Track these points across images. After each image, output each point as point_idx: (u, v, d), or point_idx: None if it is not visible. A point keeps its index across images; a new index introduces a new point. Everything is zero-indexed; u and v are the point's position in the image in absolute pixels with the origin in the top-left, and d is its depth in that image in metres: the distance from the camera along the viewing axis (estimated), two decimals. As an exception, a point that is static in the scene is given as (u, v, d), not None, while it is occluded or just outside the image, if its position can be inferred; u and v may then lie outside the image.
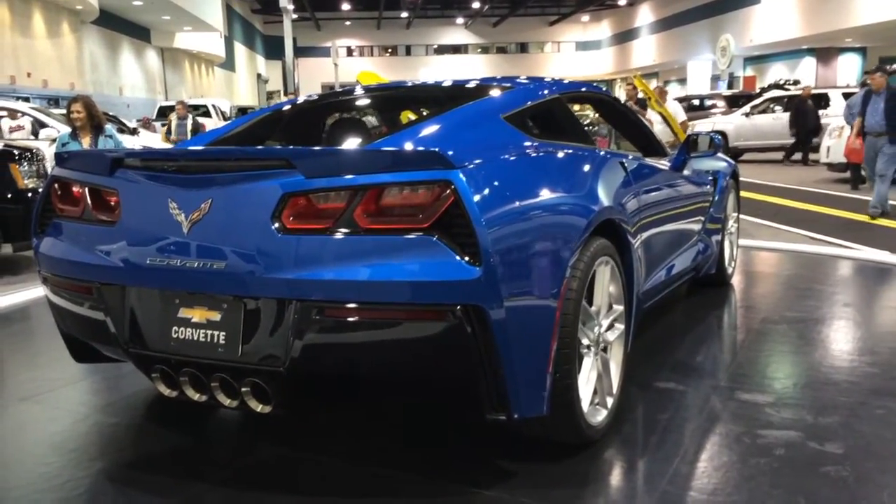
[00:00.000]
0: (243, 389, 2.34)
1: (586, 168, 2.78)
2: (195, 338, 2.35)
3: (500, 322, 2.12)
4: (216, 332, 2.32)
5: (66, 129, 7.18)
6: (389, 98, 3.93)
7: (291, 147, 2.28)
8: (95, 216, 2.54)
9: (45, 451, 2.79)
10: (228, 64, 43.19)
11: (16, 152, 6.40)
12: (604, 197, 2.69)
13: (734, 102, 20.14)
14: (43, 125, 11.03)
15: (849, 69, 34.51)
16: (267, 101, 47.24)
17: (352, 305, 2.14)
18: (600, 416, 2.67)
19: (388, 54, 58.58)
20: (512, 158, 2.44)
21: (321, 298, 2.15)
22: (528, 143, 2.67)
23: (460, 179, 2.10)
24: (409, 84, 3.97)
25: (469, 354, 2.14)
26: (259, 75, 53.07)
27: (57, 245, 2.65)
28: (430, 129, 2.67)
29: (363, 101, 3.90)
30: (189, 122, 15.12)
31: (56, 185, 2.68)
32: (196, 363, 2.37)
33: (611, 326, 2.79)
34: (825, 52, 33.48)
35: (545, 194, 2.43)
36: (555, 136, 3.07)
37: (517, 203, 2.27)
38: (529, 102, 3.04)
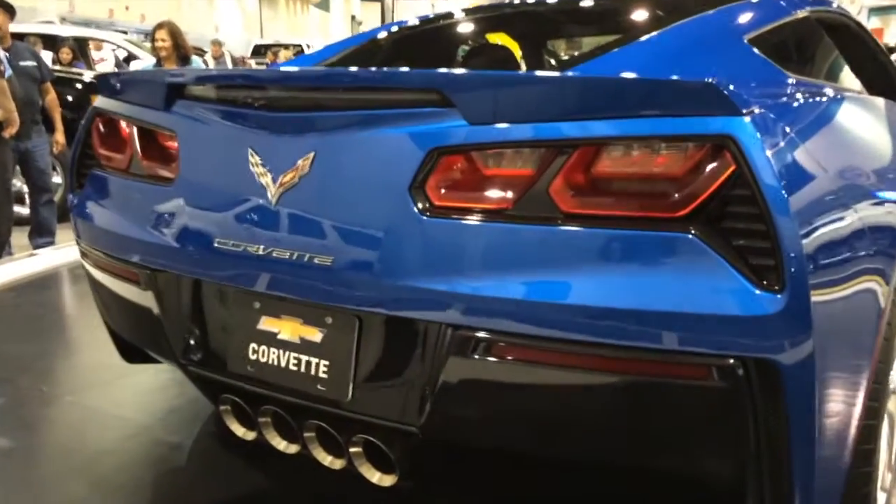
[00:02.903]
0: (352, 449, 1.52)
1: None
2: (282, 363, 1.54)
3: (801, 389, 1.21)
4: (314, 360, 1.50)
5: (152, 60, 6.51)
6: (537, 17, 2.86)
7: (446, 71, 1.38)
8: (146, 170, 1.73)
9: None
10: (324, 4, 42.57)
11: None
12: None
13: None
14: (133, 57, 10.49)
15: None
16: (361, 44, 46.59)
17: (539, 344, 1.27)
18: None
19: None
20: (798, 106, 1.49)
21: (490, 328, 1.29)
22: (800, 84, 1.70)
23: (750, 135, 1.18)
24: None
25: (738, 441, 1.24)
26: (353, 17, 52.37)
27: (96, 208, 1.86)
28: (642, 56, 1.74)
29: (501, 24, 2.88)
30: (229, 61, 14.29)
31: (99, 122, 1.89)
32: (282, 401, 1.56)
33: None
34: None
35: (858, 170, 1.48)
36: (816, 73, 2.09)
37: (827, 182, 1.33)
38: (779, 20, 2.03)
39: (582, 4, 2.71)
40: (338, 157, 1.42)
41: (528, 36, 2.90)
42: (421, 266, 1.33)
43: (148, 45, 12.57)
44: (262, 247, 1.48)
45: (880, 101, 2.08)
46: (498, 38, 2.85)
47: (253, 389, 1.61)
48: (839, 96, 1.77)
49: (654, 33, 1.86)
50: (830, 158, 1.39)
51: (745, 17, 1.97)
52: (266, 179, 1.47)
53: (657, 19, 2.19)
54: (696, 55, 1.72)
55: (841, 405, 1.32)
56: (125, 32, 17.04)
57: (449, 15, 2.75)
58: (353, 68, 2.00)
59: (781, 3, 2.13)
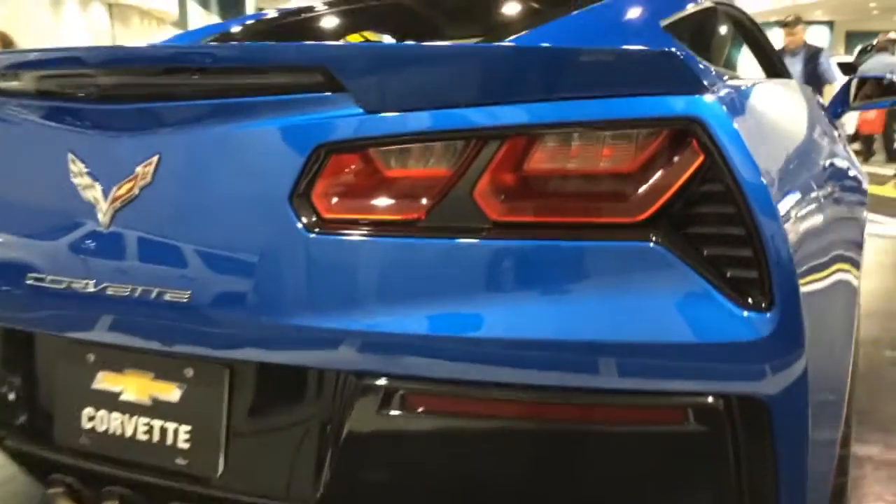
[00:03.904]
0: (226, 540, 1.17)
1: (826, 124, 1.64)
2: (128, 432, 1.18)
3: (793, 426, 0.98)
4: (171, 426, 1.15)
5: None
6: (408, 11, 2.49)
7: (335, 44, 1.08)
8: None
9: None
10: (181, 23, 40.98)
11: None
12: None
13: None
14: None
15: (818, 42, 33.96)
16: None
17: (470, 392, 0.99)
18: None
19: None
20: (746, 90, 1.28)
21: (406, 375, 1.00)
22: (723, 73, 1.51)
23: (720, 118, 0.95)
24: None
25: (718, 496, 1.00)
26: (214, 36, 50.74)
27: None
28: (556, 38, 1.49)
29: (371, 18, 2.49)
30: None
31: None
32: (131, 481, 1.20)
33: None
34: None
35: (812, 155, 1.28)
36: (728, 63, 1.92)
37: (796, 171, 1.13)
38: (682, 11, 1.85)
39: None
40: (191, 161, 1.08)
41: (400, 34, 2.57)
42: (308, 297, 1.02)
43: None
44: (92, 282, 1.12)
45: (795, 84, 1.95)
46: (359, 39, 2.49)
47: (91, 468, 1.23)
48: (770, 82, 1.59)
49: (557, 19, 1.62)
50: (791, 145, 1.19)
51: (655, 3, 1.78)
52: (94, 193, 1.11)
53: (542, 13, 1.97)
54: (614, 39, 1.50)
55: (827, 437, 1.11)
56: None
57: (310, 8, 2.39)
58: (212, 43, 1.63)
59: None
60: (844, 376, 1.19)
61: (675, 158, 0.95)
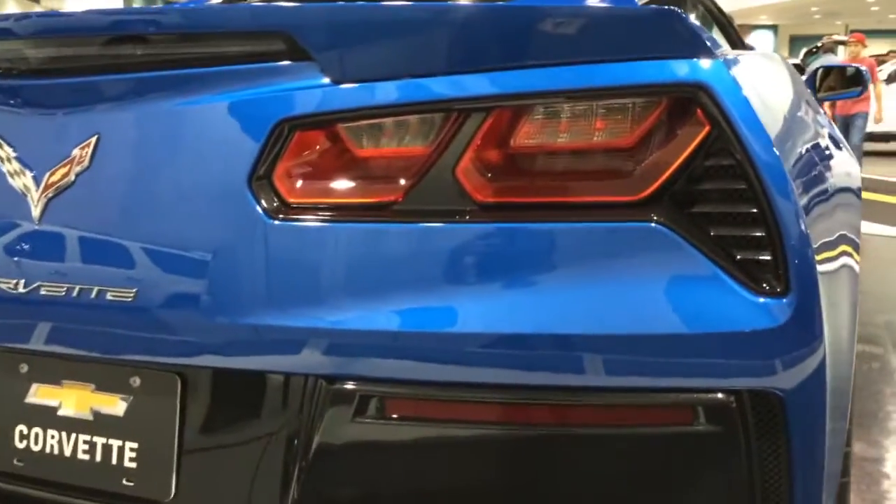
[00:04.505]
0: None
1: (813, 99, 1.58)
2: (67, 451, 1.05)
3: (810, 422, 0.90)
4: (116, 443, 1.02)
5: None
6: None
7: (296, 5, 0.96)
8: None
9: None
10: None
11: None
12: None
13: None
14: None
15: (763, 46, 34.90)
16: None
17: (458, 395, 0.88)
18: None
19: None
20: (737, 58, 1.20)
21: (384, 377, 0.89)
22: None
23: (728, 85, 0.86)
24: None
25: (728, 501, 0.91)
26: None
27: None
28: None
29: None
30: None
31: None
32: (70, 506, 1.06)
33: None
34: (740, 29, 33.68)
35: (809, 125, 1.21)
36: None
37: (802, 144, 1.05)
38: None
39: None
40: (135, 141, 0.96)
41: None
42: (271, 293, 0.91)
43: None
44: (22, 281, 0.98)
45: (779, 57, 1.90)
46: None
47: (26, 493, 1.09)
48: (759, 53, 1.52)
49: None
50: (794, 118, 1.11)
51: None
52: (24, 181, 0.98)
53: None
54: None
55: (838, 434, 1.03)
56: None
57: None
58: (158, 5, 1.49)
59: None
60: (851, 366, 1.12)
61: (679, 129, 0.86)
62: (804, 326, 0.85)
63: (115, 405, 1.02)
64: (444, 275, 0.88)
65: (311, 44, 0.89)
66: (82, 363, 1.02)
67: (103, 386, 1.03)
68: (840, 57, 9.08)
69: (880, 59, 9.28)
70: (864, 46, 7.81)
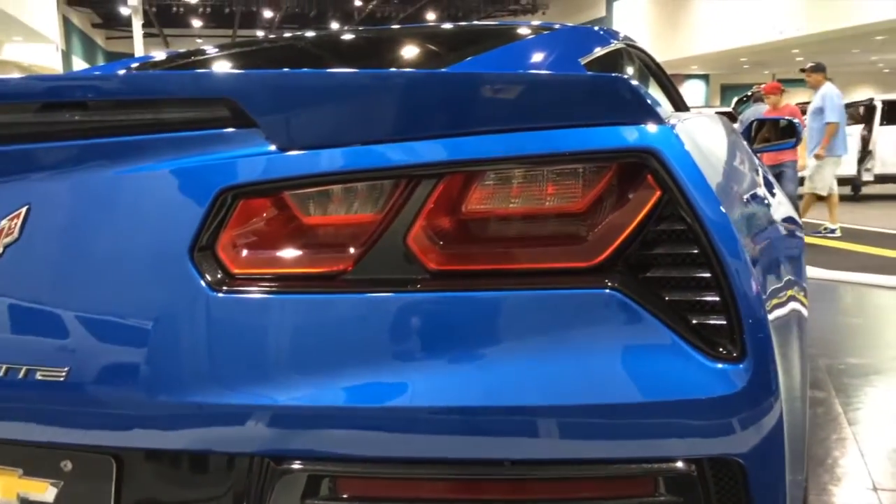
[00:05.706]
0: None
1: (752, 155, 1.61)
2: (-10, 543, 0.97)
3: (769, 485, 0.89)
4: (45, 533, 0.94)
5: None
6: (300, 52, 2.22)
7: (240, 72, 0.94)
8: None
9: None
10: (65, 79, 39.40)
11: None
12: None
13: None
14: None
15: (695, 94, 36.22)
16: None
17: (411, 472, 0.84)
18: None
19: (243, 74, 55.54)
20: (685, 121, 1.22)
21: (333, 456, 0.84)
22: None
23: (677, 150, 0.86)
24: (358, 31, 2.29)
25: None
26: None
27: None
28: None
29: (260, 59, 2.30)
30: None
31: None
32: None
33: None
34: (674, 79, 34.93)
35: (752, 186, 1.23)
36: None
37: (749, 205, 1.06)
38: (599, 49, 1.81)
39: (355, 36, 2.29)
40: (69, 212, 0.91)
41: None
42: (214, 370, 0.86)
43: None
44: (-60, 360, 0.91)
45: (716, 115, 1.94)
46: None
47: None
48: (699, 114, 1.55)
49: (476, 55, 1.54)
50: (737, 177, 1.13)
51: (572, 43, 1.74)
52: (-55, 253, 0.92)
53: (458, 50, 1.87)
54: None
55: (797, 489, 1.01)
56: None
57: (200, 51, 2.22)
58: (97, 73, 1.44)
59: (600, 32, 1.93)
60: (805, 415, 1.12)
61: (630, 195, 0.86)
62: (761, 389, 0.84)
63: (45, 491, 0.95)
64: (395, 346, 0.85)
65: (255, 110, 0.86)
66: (9, 446, 0.95)
67: (32, 471, 0.96)
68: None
69: (803, 108, 9.65)
70: (783, 92, 8.12)
